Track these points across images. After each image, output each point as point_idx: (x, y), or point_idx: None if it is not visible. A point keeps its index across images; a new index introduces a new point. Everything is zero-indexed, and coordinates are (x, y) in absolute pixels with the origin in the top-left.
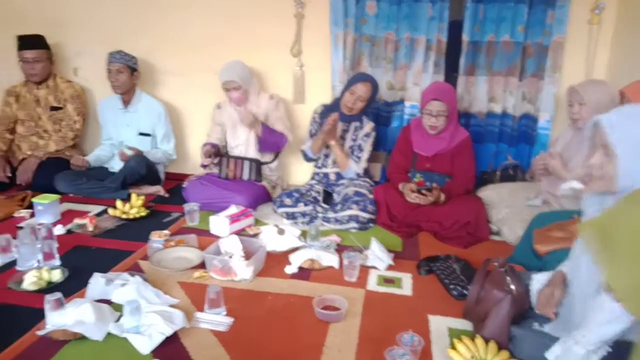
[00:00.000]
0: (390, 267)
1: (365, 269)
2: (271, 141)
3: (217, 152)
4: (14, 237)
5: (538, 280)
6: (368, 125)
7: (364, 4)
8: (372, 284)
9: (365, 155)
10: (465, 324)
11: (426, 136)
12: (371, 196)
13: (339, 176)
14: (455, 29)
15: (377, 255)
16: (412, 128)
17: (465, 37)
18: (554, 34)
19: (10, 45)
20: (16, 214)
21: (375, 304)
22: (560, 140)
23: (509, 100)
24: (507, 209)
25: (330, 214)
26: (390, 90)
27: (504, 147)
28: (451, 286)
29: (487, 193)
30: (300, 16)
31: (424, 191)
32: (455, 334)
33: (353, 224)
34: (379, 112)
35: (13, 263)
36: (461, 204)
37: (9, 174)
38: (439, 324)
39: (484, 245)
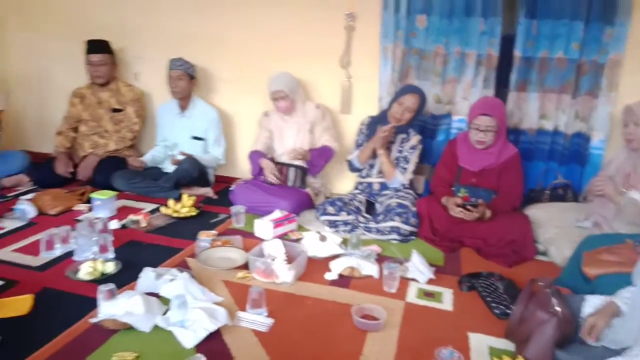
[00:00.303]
0: (430, 281)
1: (405, 281)
2: (320, 164)
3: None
4: (73, 229)
5: (591, 305)
6: (415, 138)
7: (414, 18)
8: (412, 296)
9: (411, 166)
10: (506, 344)
11: (473, 151)
12: (414, 209)
13: (383, 186)
14: (507, 44)
15: (418, 268)
16: (458, 142)
17: (517, 53)
18: (611, 52)
19: (78, 50)
20: (76, 208)
21: (414, 316)
22: (614, 162)
23: (561, 118)
24: (556, 229)
25: (372, 224)
26: (438, 104)
27: (554, 166)
28: (493, 304)
29: (535, 212)
30: (350, 29)
31: (469, 206)
32: (496, 353)
33: (394, 236)
34: (425, 125)
35: (71, 253)
36: (507, 221)
37: (71, 170)
38: (480, 342)
39: (529, 264)
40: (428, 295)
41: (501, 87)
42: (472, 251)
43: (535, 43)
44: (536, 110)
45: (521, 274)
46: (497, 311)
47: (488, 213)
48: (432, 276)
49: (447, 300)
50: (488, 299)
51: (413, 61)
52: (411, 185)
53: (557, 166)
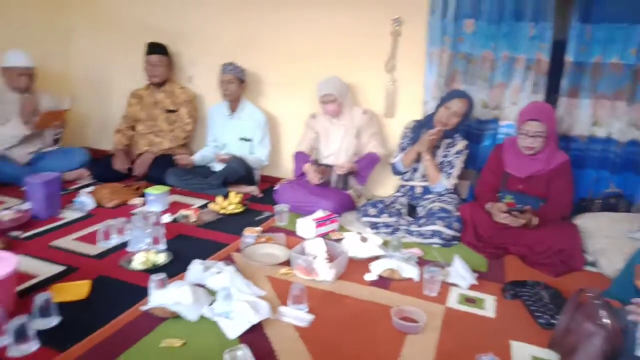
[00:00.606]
0: (472, 287)
1: (445, 286)
2: (367, 174)
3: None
4: (128, 221)
5: None
6: (461, 143)
7: (461, 23)
8: (453, 301)
9: (456, 171)
10: (550, 355)
11: (520, 157)
12: (457, 213)
13: (426, 190)
14: (558, 49)
15: (460, 273)
16: (505, 147)
17: (569, 58)
18: None
19: (137, 55)
20: (131, 201)
21: (454, 321)
22: None
23: (614, 125)
24: (607, 239)
25: (414, 227)
26: (484, 109)
27: (605, 174)
28: (538, 314)
29: (585, 221)
30: (397, 34)
31: (515, 212)
32: None
33: (436, 240)
34: (470, 129)
35: (125, 244)
36: (556, 230)
37: (128, 166)
38: (522, 351)
39: (577, 275)
40: (469, 301)
41: (552, 93)
42: (517, 258)
43: (588, 48)
44: (588, 116)
45: (568, 284)
46: (541, 320)
47: (535, 220)
48: (474, 282)
49: (489, 306)
50: (532, 307)
51: (460, 66)
52: (455, 190)
53: (609, 175)
